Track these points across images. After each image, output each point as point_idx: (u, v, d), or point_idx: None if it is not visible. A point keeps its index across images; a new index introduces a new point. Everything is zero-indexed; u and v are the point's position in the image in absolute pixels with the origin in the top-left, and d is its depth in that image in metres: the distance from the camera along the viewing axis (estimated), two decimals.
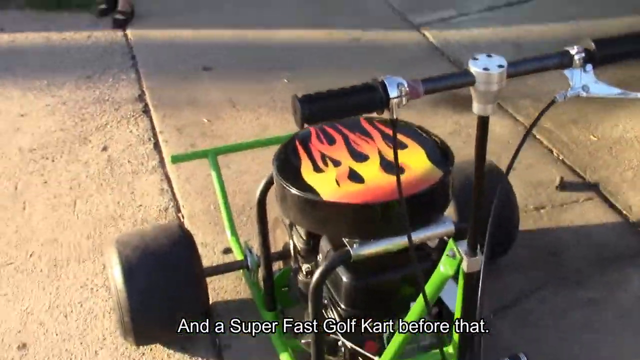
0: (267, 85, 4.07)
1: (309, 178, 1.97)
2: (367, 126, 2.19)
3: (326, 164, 2.02)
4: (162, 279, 2.48)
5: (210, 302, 2.67)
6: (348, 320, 2.11)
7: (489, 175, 2.03)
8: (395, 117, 1.36)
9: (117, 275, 2.45)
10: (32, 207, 3.32)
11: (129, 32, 4.87)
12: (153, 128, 3.85)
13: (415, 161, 2.00)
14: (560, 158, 3.53)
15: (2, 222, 3.24)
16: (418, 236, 1.90)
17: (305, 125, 1.36)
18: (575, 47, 1.48)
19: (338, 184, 1.92)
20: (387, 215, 1.91)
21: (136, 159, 3.59)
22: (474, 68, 1.39)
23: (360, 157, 2.04)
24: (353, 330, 2.11)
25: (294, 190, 1.95)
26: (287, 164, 2.05)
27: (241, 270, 2.76)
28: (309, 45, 4.44)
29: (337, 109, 1.37)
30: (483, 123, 1.47)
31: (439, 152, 2.06)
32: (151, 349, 2.61)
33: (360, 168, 1.99)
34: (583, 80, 1.49)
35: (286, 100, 3.84)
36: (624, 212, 3.17)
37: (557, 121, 3.75)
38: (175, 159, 3.02)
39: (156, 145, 3.71)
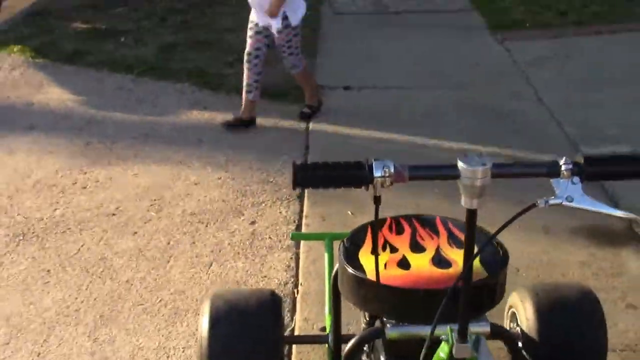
0: (417, 190, 4.22)
1: (364, 259, 2.16)
2: (438, 224, 2.33)
3: (384, 250, 2.19)
4: (242, 333, 2.74)
5: None
6: None
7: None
8: (378, 194, 1.55)
9: (204, 323, 2.75)
10: (175, 262, 3.74)
11: (311, 124, 5.32)
12: (301, 212, 4.17)
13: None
14: None
15: (147, 269, 3.68)
16: (452, 327, 1.96)
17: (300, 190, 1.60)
18: (564, 158, 1.58)
19: (385, 267, 2.09)
20: (422, 303, 2.02)
21: (276, 236, 3.92)
22: (460, 164, 1.54)
23: (418, 249, 2.20)
24: None
25: (347, 267, 2.15)
26: (352, 246, 2.26)
27: (326, 347, 2.95)
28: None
29: (327, 179, 1.58)
30: (470, 216, 1.60)
31: (495, 257, 2.17)
32: None
33: (412, 257, 2.15)
34: (569, 191, 1.58)
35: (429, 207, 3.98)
36: None
37: None
38: (295, 237, 3.32)
39: (298, 227, 4.02)
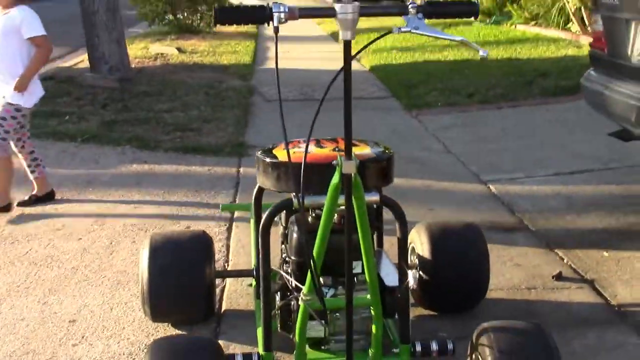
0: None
1: (278, 153, 2.71)
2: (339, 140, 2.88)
3: (294, 148, 2.74)
4: (177, 264, 3.16)
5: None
6: (295, 265, 2.68)
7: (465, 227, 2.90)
8: (276, 25, 2.10)
9: (144, 254, 3.18)
10: (117, 254, 4.15)
11: (241, 169, 5.86)
12: (230, 226, 4.65)
13: (360, 149, 2.69)
14: (567, 262, 3.91)
15: (91, 259, 4.08)
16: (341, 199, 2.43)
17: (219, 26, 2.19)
18: (411, 1, 2.18)
19: (294, 155, 2.60)
20: (321, 174, 2.52)
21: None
22: (336, 5, 2.12)
23: (320, 147, 2.75)
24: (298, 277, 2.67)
25: (264, 158, 2.69)
26: (268, 149, 2.82)
27: (252, 284, 3.38)
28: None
29: (239, 16, 2.14)
30: (346, 46, 2.16)
31: (383, 150, 2.75)
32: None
33: (315, 150, 2.70)
34: (415, 23, 2.18)
35: None
36: (609, 298, 3.49)
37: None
38: (225, 207, 3.85)
39: (228, 239, 4.50)
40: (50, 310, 3.52)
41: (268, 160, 2.74)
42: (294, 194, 2.58)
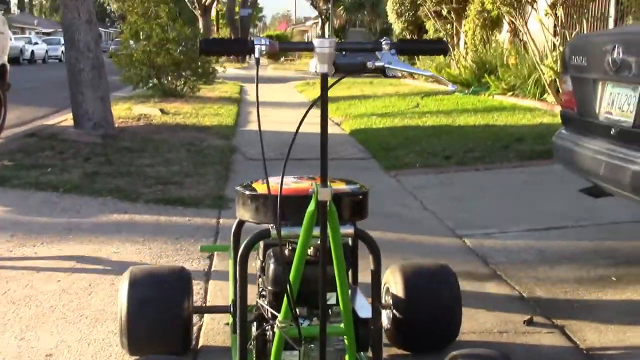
0: None
1: (257, 187, 2.81)
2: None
3: (272, 183, 2.84)
4: (155, 297, 3.23)
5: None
6: (272, 295, 2.76)
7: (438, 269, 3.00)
8: (257, 57, 2.23)
9: (123, 288, 3.24)
10: (96, 295, 4.19)
11: (221, 220, 5.94)
12: (209, 268, 4.71)
13: (336, 184, 2.79)
14: (538, 310, 4.00)
15: (70, 299, 4.11)
16: (316, 230, 2.51)
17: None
18: (384, 38, 2.33)
19: (272, 188, 2.71)
20: (297, 206, 2.63)
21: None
22: (315, 41, 2.27)
23: (299, 183, 2.86)
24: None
25: (243, 191, 2.79)
26: (247, 185, 2.93)
27: (229, 323, 3.44)
28: None
29: (222, 48, 2.28)
30: (323, 79, 2.29)
31: (359, 187, 2.86)
32: None
33: (294, 184, 2.81)
34: (388, 58, 2.32)
35: None
36: (578, 342, 3.58)
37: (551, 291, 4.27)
38: (204, 249, 3.93)
39: (208, 272, 4.56)
40: (27, 345, 3.54)
41: (247, 192, 2.84)
42: (272, 224, 2.68)
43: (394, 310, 3.37)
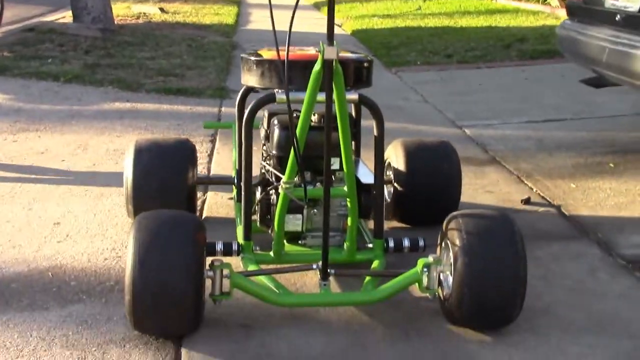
0: None
1: (262, 53, 2.82)
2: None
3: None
4: (161, 165, 3.27)
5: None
6: (276, 160, 2.81)
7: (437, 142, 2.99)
8: None
9: (128, 157, 3.28)
10: (99, 174, 4.25)
11: (223, 108, 5.96)
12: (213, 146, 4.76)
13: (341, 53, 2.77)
14: (536, 191, 4.07)
15: (75, 177, 4.18)
16: (321, 96, 2.47)
17: None
18: None
19: (278, 54, 2.71)
20: (302, 70, 2.64)
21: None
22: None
23: (304, 50, 2.87)
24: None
25: (249, 57, 2.80)
26: (253, 53, 2.93)
27: (233, 197, 3.50)
28: None
29: None
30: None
31: (363, 55, 2.88)
32: None
33: (299, 51, 2.82)
34: None
35: None
36: (574, 220, 3.66)
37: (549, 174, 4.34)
38: (207, 125, 3.98)
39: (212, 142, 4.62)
40: (35, 214, 3.61)
41: (253, 58, 2.85)
42: (277, 89, 2.70)
43: (395, 184, 3.43)
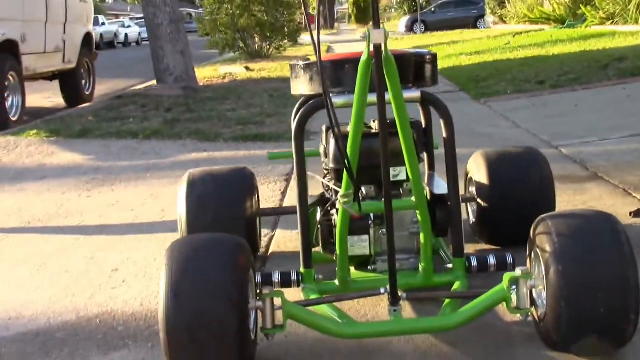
0: None
1: (312, 59, 2.53)
2: None
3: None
4: (215, 198, 2.99)
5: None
6: (334, 174, 2.48)
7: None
8: None
9: (181, 191, 3.02)
10: (168, 217, 4.02)
11: None
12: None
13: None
14: None
15: (144, 221, 3.96)
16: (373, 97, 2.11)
17: None
18: None
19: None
20: (352, 71, 2.33)
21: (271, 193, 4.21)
22: None
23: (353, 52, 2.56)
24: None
25: (296, 63, 2.52)
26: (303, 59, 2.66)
27: None
28: None
29: None
30: None
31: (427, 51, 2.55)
32: None
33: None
34: None
35: None
36: None
37: None
38: (272, 156, 3.68)
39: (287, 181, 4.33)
40: (95, 263, 3.40)
41: (301, 63, 2.57)
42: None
43: (479, 200, 3.03)
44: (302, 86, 2.55)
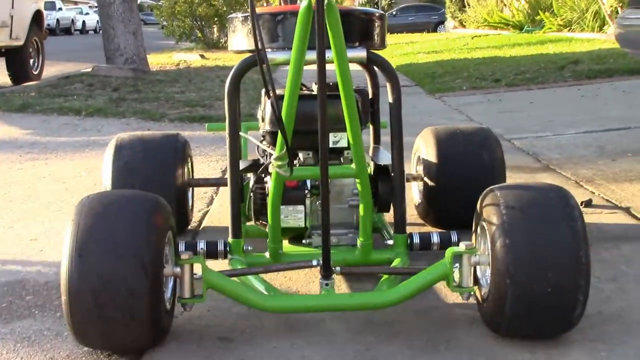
0: None
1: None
2: None
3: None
4: (143, 164, 2.76)
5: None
6: (269, 136, 2.28)
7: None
8: None
9: (107, 155, 2.79)
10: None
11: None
12: None
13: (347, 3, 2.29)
14: (598, 194, 3.46)
15: (75, 191, 3.71)
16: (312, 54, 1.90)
17: None
18: None
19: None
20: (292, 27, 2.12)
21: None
22: None
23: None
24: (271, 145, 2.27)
25: (235, 16, 2.31)
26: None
27: None
28: None
29: None
30: None
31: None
32: None
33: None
34: None
35: None
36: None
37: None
38: (210, 128, 3.46)
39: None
40: (14, 232, 3.15)
41: (239, 15, 2.36)
42: (268, 48, 2.20)
43: (426, 179, 2.86)
44: (240, 42, 2.35)
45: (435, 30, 29.77)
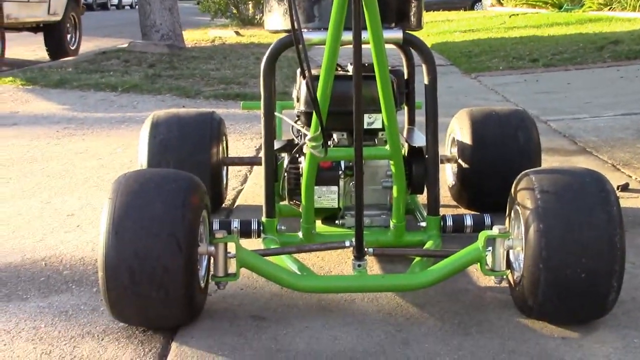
0: None
1: None
2: None
3: None
4: (179, 141, 2.78)
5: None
6: (304, 117, 2.28)
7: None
8: None
9: (144, 133, 2.82)
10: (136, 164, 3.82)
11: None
12: None
13: None
14: (635, 178, 3.42)
15: (111, 169, 3.76)
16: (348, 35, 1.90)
17: None
18: None
19: None
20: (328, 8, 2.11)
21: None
22: None
23: None
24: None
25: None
26: None
27: None
28: None
29: None
30: None
31: None
32: None
33: None
34: None
35: None
36: None
37: None
38: (245, 106, 3.47)
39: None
40: (51, 207, 3.20)
41: None
42: (305, 29, 2.20)
43: (460, 161, 2.85)
44: (276, 21, 2.35)
45: (472, 8, 29.35)
